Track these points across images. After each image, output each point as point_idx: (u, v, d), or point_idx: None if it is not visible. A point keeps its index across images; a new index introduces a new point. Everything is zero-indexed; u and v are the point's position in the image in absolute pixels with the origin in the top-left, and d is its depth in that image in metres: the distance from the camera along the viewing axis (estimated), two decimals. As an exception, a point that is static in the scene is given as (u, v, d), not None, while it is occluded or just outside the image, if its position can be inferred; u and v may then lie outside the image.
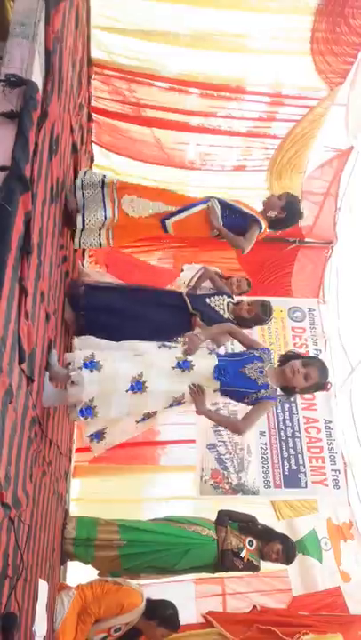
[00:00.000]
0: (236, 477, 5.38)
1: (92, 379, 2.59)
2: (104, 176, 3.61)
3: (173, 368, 2.75)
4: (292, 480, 5.39)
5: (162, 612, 3.35)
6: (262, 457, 5.45)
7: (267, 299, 3.93)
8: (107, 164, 5.41)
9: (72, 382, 2.61)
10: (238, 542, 3.76)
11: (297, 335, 6.14)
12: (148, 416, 2.86)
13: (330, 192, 5.73)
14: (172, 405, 2.79)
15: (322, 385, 2.98)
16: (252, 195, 5.48)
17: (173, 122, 5.03)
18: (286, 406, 5.74)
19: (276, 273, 6.20)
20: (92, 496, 5.27)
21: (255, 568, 3.84)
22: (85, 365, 2.62)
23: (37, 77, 2.17)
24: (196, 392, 2.75)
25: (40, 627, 2.37)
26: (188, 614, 4.33)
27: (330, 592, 4.89)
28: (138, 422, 2.88)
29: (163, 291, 3.73)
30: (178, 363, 2.76)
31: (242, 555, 3.72)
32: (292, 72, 4.80)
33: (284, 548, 3.77)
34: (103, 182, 3.53)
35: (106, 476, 5.45)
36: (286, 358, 2.99)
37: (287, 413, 5.70)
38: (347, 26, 4.44)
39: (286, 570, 4.86)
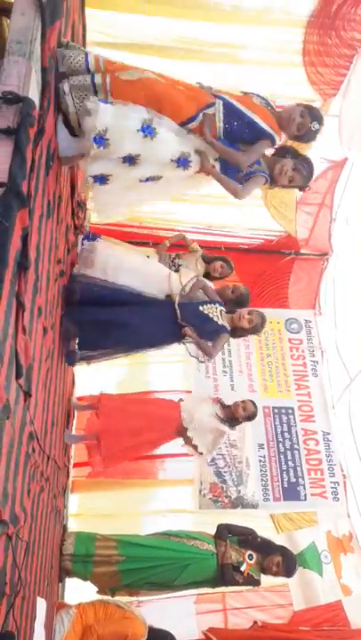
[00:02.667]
0: (235, 491, 5.35)
1: (106, 108, 2.66)
2: (92, 75, 2.81)
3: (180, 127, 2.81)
4: (292, 493, 5.36)
5: None
6: (261, 470, 5.42)
7: (263, 310, 3.92)
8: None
9: (88, 111, 2.67)
10: (238, 556, 3.73)
11: (294, 346, 6.15)
12: (153, 178, 2.86)
13: (324, 203, 5.76)
14: (178, 162, 2.84)
15: (301, 188, 3.13)
16: (248, 202, 5.51)
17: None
18: (285, 418, 5.73)
19: (273, 284, 6.21)
20: (91, 511, 5.23)
21: (255, 582, 3.81)
22: (101, 100, 2.68)
23: (34, 94, 2.18)
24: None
25: (38, 645, 2.34)
26: (189, 631, 4.28)
27: (331, 606, 4.85)
28: (141, 181, 2.87)
29: (153, 301, 3.66)
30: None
31: (242, 569, 3.70)
32: (286, 84, 4.81)
33: (284, 560, 3.75)
34: (94, 84, 2.80)
35: (104, 491, 5.40)
36: (283, 152, 3.05)
37: (285, 425, 5.69)
38: (338, 38, 4.46)
39: (287, 584, 4.83)
